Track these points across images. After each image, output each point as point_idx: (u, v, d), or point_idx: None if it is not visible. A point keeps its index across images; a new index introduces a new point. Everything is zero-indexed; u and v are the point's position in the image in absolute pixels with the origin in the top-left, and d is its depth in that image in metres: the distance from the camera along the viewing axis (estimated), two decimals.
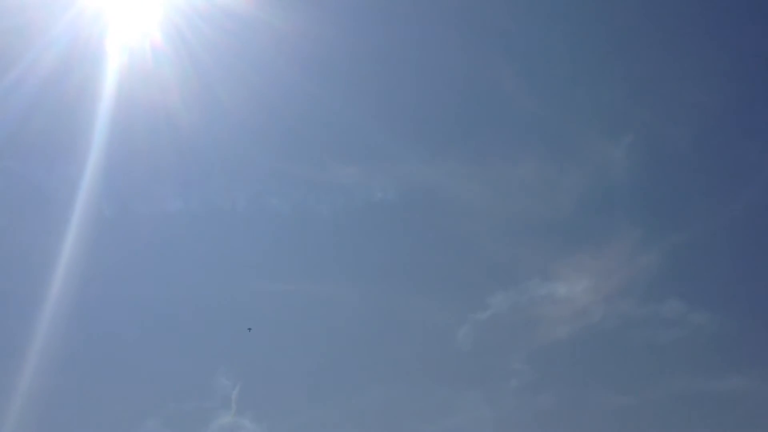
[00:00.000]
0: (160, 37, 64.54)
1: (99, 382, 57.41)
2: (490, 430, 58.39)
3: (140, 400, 57.09)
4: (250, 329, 59.46)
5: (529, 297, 65.54)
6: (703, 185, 77.64)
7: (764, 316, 67.70)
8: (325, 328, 63.57)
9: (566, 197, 74.34)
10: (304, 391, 59.13)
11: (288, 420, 55.78)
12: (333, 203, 68.27)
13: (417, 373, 61.54)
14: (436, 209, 72.19)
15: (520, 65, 77.82)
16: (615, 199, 75.82)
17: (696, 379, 62.98)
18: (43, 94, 59.76)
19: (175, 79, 64.90)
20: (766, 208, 74.59)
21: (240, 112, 68.09)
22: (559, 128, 77.56)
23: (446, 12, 75.23)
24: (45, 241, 56.97)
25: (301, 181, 68.85)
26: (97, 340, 58.94)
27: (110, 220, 60.18)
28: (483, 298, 64.69)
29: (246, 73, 68.34)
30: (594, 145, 77.48)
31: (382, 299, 66.16)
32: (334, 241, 69.28)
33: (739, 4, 79.41)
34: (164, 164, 64.34)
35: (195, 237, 66.61)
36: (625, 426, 60.57)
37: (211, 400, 56.37)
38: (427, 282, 68.21)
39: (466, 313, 64.09)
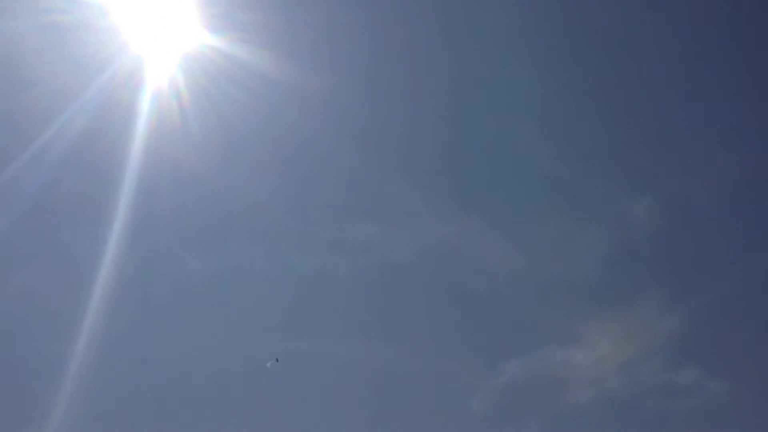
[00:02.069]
0: (188, 97, 66.67)
1: None
2: None
3: None
4: (277, 360, 59.97)
5: (544, 363, 65.82)
6: (725, 247, 77.06)
7: None
8: (338, 391, 64.21)
9: (586, 258, 74.36)
10: None
11: None
12: (352, 263, 69.32)
13: None
14: (455, 268, 72.72)
15: (541, 122, 78.33)
16: (635, 261, 75.60)
17: None
18: (73, 156, 62.00)
19: (201, 138, 67.08)
20: None
21: (261, 171, 69.81)
22: (580, 186, 77.78)
23: (465, 67, 76.16)
24: (69, 302, 58.83)
25: (321, 241, 70.03)
26: (115, 402, 59.69)
27: (131, 279, 61.35)
28: (497, 364, 65.07)
29: (267, 132, 69.90)
30: (615, 204, 77.48)
31: (397, 361, 66.71)
32: (351, 302, 69.99)
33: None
34: (186, 224, 66.00)
35: (213, 297, 67.67)
36: None
37: None
38: (443, 345, 68.63)
39: (481, 379, 64.54)
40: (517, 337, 69.00)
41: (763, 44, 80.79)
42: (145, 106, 64.41)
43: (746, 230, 77.52)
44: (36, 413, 55.00)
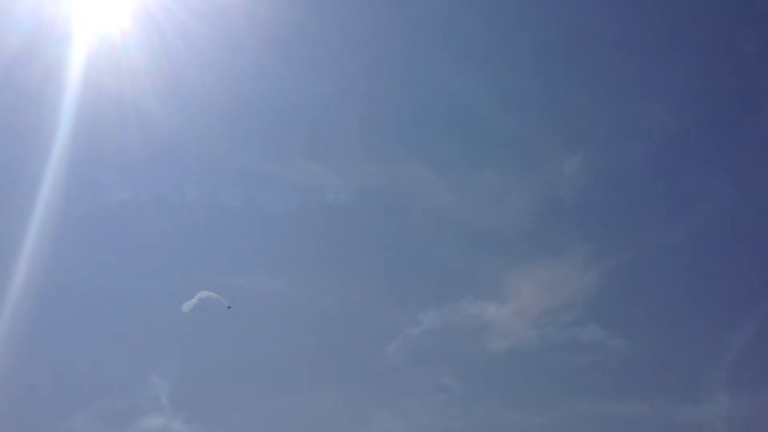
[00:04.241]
0: (131, 21, 64.60)
1: (29, 373, 59.07)
2: None
3: (70, 394, 58.96)
4: (229, 307, 59.47)
5: (462, 315, 69.24)
6: (648, 210, 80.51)
7: (673, 345, 71.92)
8: (260, 327, 66.39)
9: (515, 209, 76.98)
10: (236, 392, 62.27)
11: (219, 423, 59.46)
12: (286, 201, 70.19)
13: (347, 379, 65.51)
14: (389, 213, 74.56)
15: (488, 74, 78.98)
16: (562, 216, 78.57)
17: (600, 402, 66.76)
18: (4, 79, 59.96)
19: (144, 66, 65.22)
20: (704, 238, 77.97)
21: (205, 100, 68.65)
22: (517, 138, 79.45)
23: (421, 17, 75.46)
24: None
25: (257, 177, 70.38)
26: (30, 332, 59.39)
27: (57, 208, 60.79)
28: (417, 314, 68.18)
29: (217, 63, 68.83)
30: (548, 158, 79.54)
31: (323, 301, 69.29)
32: (282, 240, 71.43)
33: (705, 29, 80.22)
34: (115, 154, 65.09)
35: (140, 228, 67.74)
36: None
37: (143, 399, 58.69)
38: (369, 289, 71.34)
39: (401, 327, 67.63)
40: (439, 286, 72.16)
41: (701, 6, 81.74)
42: (82, 28, 62.42)
43: (670, 195, 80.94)
44: None
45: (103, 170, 65.35)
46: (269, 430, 60.35)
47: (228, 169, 70.17)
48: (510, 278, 73.83)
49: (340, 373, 65.34)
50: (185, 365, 61.81)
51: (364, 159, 74.55)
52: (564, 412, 66.09)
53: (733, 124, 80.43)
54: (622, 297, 75.04)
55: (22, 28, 60.40)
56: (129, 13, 64.27)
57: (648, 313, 73.54)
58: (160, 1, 65.16)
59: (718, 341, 69.23)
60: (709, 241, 77.59)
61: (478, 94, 77.92)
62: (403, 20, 74.26)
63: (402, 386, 65.51)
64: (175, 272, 66.86)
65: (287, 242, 71.66)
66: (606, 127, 79.76)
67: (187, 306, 56.08)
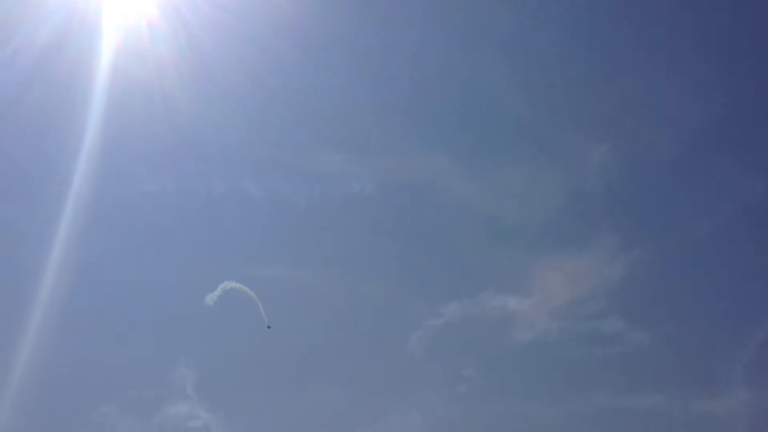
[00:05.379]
0: (157, 15, 65.18)
1: (59, 363, 60.11)
2: None
3: (99, 385, 60.39)
4: (269, 327, 62.27)
5: (483, 307, 69.79)
6: (675, 202, 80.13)
7: (694, 339, 72.06)
8: (283, 318, 67.07)
9: (541, 202, 76.98)
10: (259, 382, 63.57)
11: (242, 411, 60.95)
12: (311, 192, 70.81)
13: (368, 370, 66.55)
14: (413, 205, 74.97)
15: (512, 67, 78.84)
16: (588, 209, 78.47)
17: (618, 394, 67.11)
18: (36, 70, 60.89)
19: (171, 57, 65.92)
20: (729, 231, 77.57)
21: (231, 92, 69.47)
22: (543, 130, 79.21)
23: (445, 11, 75.23)
24: (13, 217, 60.49)
25: (281, 168, 70.95)
26: (60, 322, 60.49)
27: (86, 200, 61.83)
28: (438, 306, 68.86)
29: (242, 54, 69.16)
30: (575, 149, 79.23)
31: (345, 292, 70.09)
32: (307, 231, 72.10)
33: (734, 21, 79.04)
34: (143, 146, 65.97)
35: (167, 219, 68.70)
36: None
37: (170, 388, 59.99)
38: (392, 280, 71.94)
39: (422, 318, 68.37)
40: (461, 279, 72.70)
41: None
42: (111, 21, 63.09)
43: (697, 187, 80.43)
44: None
45: (131, 162, 66.39)
46: (290, 418, 61.68)
47: (253, 160, 70.93)
48: (533, 270, 74.16)
49: (361, 364, 66.42)
50: (210, 355, 63.22)
51: (387, 151, 74.94)
52: (582, 405, 66.74)
53: (761, 116, 79.61)
54: (645, 289, 75.03)
55: (53, 21, 61.36)
56: (156, 6, 64.98)
57: (670, 306, 73.66)
58: None
59: (737, 336, 69.22)
60: (735, 235, 77.16)
61: (503, 86, 77.69)
62: (428, 13, 74.20)
63: (422, 378, 66.61)
64: (201, 263, 68.14)
65: (311, 233, 72.51)
66: (633, 119, 79.25)
67: (210, 298, 57.17)
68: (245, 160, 70.53)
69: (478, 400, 66.06)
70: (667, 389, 67.72)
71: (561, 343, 70.78)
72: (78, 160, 60.92)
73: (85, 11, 62.32)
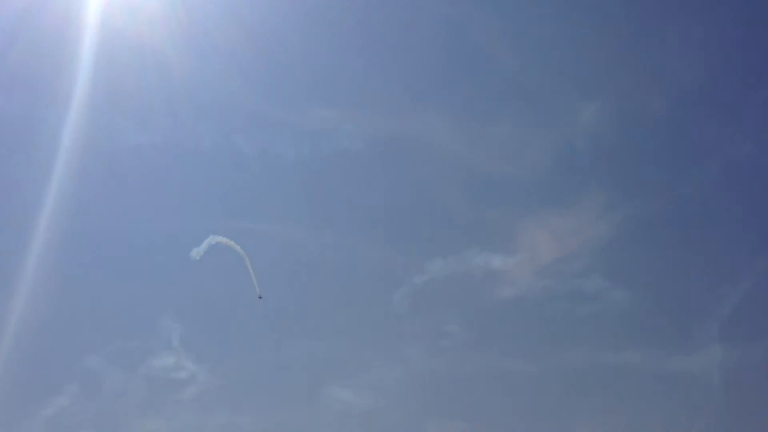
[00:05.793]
0: None
1: (46, 314, 61.15)
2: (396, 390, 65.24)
3: (85, 335, 61.63)
4: (261, 297, 61.91)
5: (467, 264, 70.86)
6: (664, 161, 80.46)
7: (674, 297, 73.37)
8: (269, 272, 67.94)
9: (530, 159, 77.28)
10: (244, 335, 64.85)
11: (227, 363, 62.57)
12: (300, 147, 71.12)
13: (352, 325, 67.97)
14: (403, 161, 75.34)
15: (503, 23, 78.15)
16: (577, 166, 78.82)
17: (596, 351, 68.57)
18: (23, 24, 60.46)
19: (162, 11, 65.66)
20: (715, 190, 78.16)
21: (221, 47, 69.09)
22: (534, 86, 78.92)
23: None
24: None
25: (271, 123, 70.98)
26: (48, 275, 61.11)
27: (75, 154, 62.05)
28: (422, 263, 69.91)
29: (234, 8, 69.05)
30: (566, 105, 79.13)
31: (332, 247, 71.06)
32: (296, 186, 72.63)
33: None
34: (134, 98, 65.75)
35: (155, 172, 69.01)
36: (525, 391, 68.20)
37: (155, 340, 61.28)
38: (378, 236, 72.86)
39: (406, 275, 69.40)
40: (447, 235, 73.50)
41: None
42: None
43: (685, 145, 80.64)
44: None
45: (119, 115, 66.50)
46: (275, 370, 63.43)
47: (242, 114, 71.11)
48: (519, 228, 74.95)
49: (346, 319, 67.80)
50: (196, 308, 64.45)
51: (377, 107, 74.91)
52: (560, 361, 68.17)
53: (751, 76, 79.19)
54: (629, 248, 75.84)
55: None
56: None
57: (653, 264, 74.60)
58: None
59: (715, 294, 70.30)
60: (720, 194, 77.77)
61: (493, 42, 77.06)
62: None
63: (405, 333, 68.06)
64: (188, 216, 68.92)
65: (299, 188, 73.16)
66: (623, 77, 78.91)
67: (196, 253, 57.82)
68: (235, 114, 70.80)
69: (459, 355, 67.83)
70: (644, 347, 69.21)
71: (543, 300, 72.20)
72: (67, 115, 61.15)
73: None
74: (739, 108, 78.06)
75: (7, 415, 57.69)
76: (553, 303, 71.64)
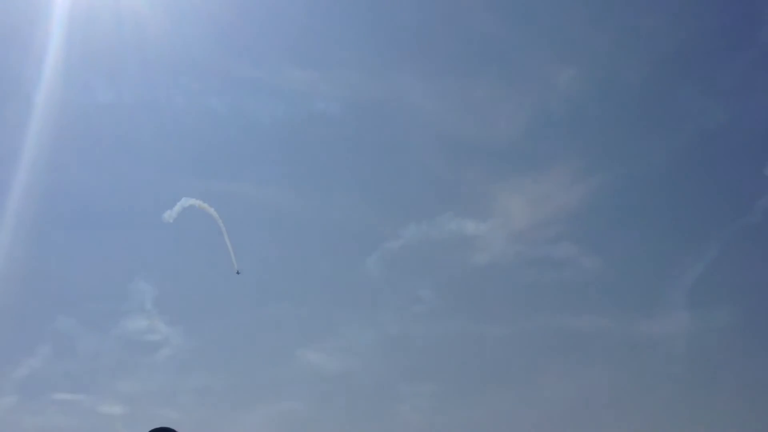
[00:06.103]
0: None
1: (16, 275, 60.86)
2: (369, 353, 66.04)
3: (57, 296, 61.30)
4: (238, 272, 61.47)
5: (441, 230, 71.25)
6: (638, 125, 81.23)
7: (642, 264, 74.95)
8: (242, 234, 68.56)
9: (509, 122, 77.60)
10: (216, 298, 65.16)
11: (200, 325, 62.74)
12: (275, 109, 70.47)
13: (325, 289, 68.57)
14: (378, 124, 75.29)
15: None
16: (552, 131, 79.37)
17: (563, 316, 70.28)
18: None
19: None
20: (689, 157, 79.25)
21: (198, 6, 67.88)
22: (511, 49, 78.78)
23: None
24: None
25: (246, 83, 70.19)
26: (18, 231, 60.21)
27: (48, 111, 60.65)
28: (397, 228, 70.26)
29: None
30: (542, 70, 79.22)
31: (306, 210, 71.40)
32: (270, 147, 72.33)
33: None
34: (108, 55, 64.24)
35: (127, 131, 67.90)
36: (496, 354, 69.75)
37: (128, 302, 60.75)
38: (352, 199, 73.20)
39: (380, 240, 69.82)
40: (422, 200, 74.05)
41: None
42: None
43: (662, 112, 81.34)
44: None
45: (93, 72, 65.19)
46: (247, 333, 64.04)
47: (217, 74, 70.32)
48: (494, 194, 75.71)
49: (319, 283, 68.51)
50: (169, 271, 64.44)
51: (353, 68, 74.50)
52: (529, 325, 69.95)
53: (729, 42, 79.79)
54: (602, 215, 77.35)
55: None
56: None
57: (624, 231, 76.08)
58: None
59: (682, 261, 72.14)
60: (693, 161, 79.16)
61: (471, 5, 76.64)
62: None
63: (378, 298, 69.01)
64: (162, 176, 68.38)
65: (273, 150, 72.95)
66: (601, 43, 79.07)
67: (169, 215, 57.33)
68: (210, 74, 69.87)
69: (432, 319, 68.93)
70: (612, 312, 71.03)
71: (515, 266, 73.35)
72: (41, 72, 59.61)
73: None
74: (714, 76, 78.81)
75: None
76: (525, 269, 72.82)
